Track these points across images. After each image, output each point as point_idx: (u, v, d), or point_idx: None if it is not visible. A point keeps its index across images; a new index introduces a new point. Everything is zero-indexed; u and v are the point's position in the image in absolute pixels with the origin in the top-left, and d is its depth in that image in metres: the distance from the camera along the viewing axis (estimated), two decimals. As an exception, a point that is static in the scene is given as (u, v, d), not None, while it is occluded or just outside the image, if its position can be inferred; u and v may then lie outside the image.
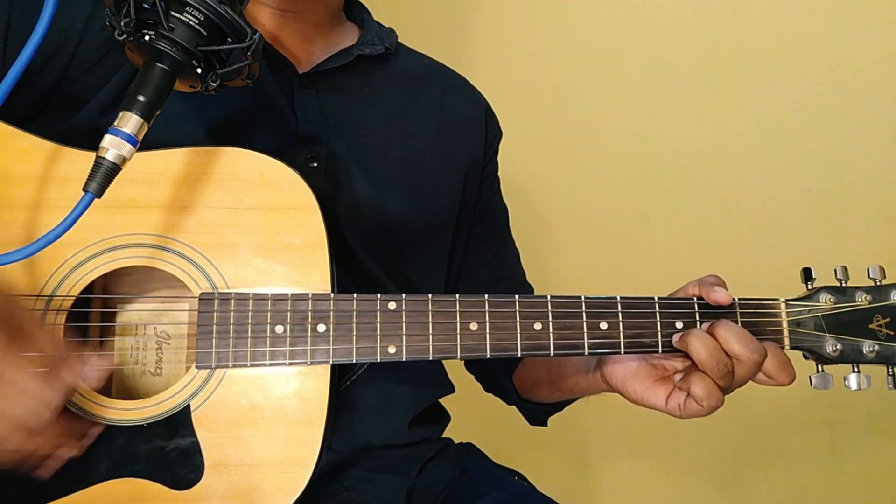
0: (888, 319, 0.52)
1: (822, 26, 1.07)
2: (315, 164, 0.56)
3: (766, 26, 1.07)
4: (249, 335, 0.47)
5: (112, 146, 0.39)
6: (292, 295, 0.48)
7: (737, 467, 1.12)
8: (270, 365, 0.47)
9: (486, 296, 0.49)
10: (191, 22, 0.40)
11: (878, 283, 0.53)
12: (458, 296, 0.49)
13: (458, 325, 0.48)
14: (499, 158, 0.72)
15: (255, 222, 0.49)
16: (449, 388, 0.66)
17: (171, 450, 0.46)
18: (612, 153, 1.09)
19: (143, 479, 0.46)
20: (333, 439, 0.55)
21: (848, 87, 1.07)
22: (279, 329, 0.47)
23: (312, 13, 0.60)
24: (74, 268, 0.47)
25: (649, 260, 1.09)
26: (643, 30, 1.08)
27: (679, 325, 0.50)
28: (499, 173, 0.73)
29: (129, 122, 0.40)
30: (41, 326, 0.43)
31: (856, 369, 0.52)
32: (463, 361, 0.73)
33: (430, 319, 0.48)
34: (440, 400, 0.67)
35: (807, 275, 0.54)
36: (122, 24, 0.40)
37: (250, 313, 0.47)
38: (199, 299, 0.47)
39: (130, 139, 0.40)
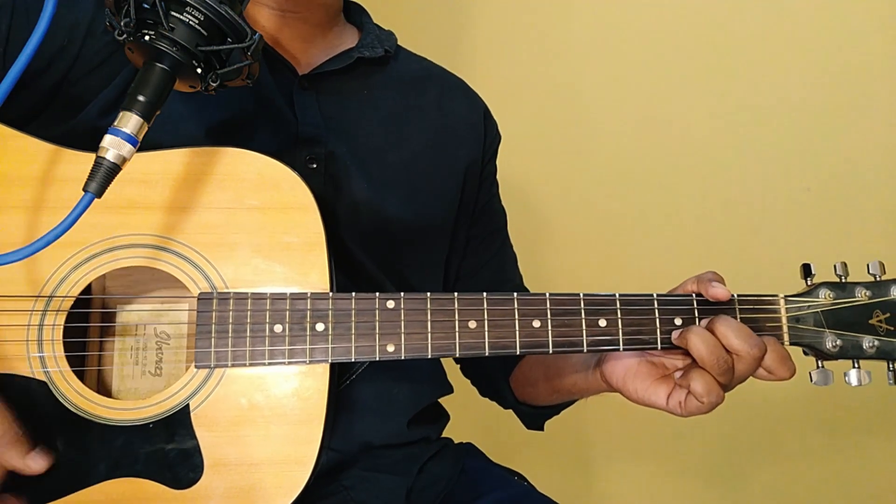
0: (888, 315, 0.52)
1: (822, 26, 1.07)
2: (314, 166, 0.57)
3: (765, 26, 1.08)
4: (248, 334, 0.47)
5: (112, 146, 0.39)
6: (291, 294, 0.48)
7: (736, 467, 1.11)
8: (269, 364, 0.47)
9: (485, 294, 0.49)
10: (191, 22, 0.40)
11: (878, 279, 0.52)
12: (456, 294, 0.49)
13: (457, 323, 0.48)
14: (498, 159, 0.73)
15: (254, 222, 0.49)
16: (448, 389, 0.66)
17: (170, 449, 0.46)
18: (611, 152, 1.09)
19: (142, 478, 0.46)
20: (333, 439, 0.55)
21: (848, 86, 1.07)
22: (278, 328, 0.47)
23: (312, 14, 0.60)
24: (74, 268, 0.47)
25: (649, 259, 1.09)
26: (642, 29, 1.09)
27: (678, 321, 0.50)
28: (497, 172, 0.73)
29: (129, 122, 0.40)
30: None
31: (856, 365, 0.52)
32: (459, 365, 0.73)
33: (429, 318, 0.48)
34: (439, 400, 0.66)
35: (806, 271, 0.54)
36: (122, 24, 0.40)
37: (249, 313, 0.47)
38: (198, 299, 0.47)
39: (130, 139, 0.40)
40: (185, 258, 0.48)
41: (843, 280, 0.53)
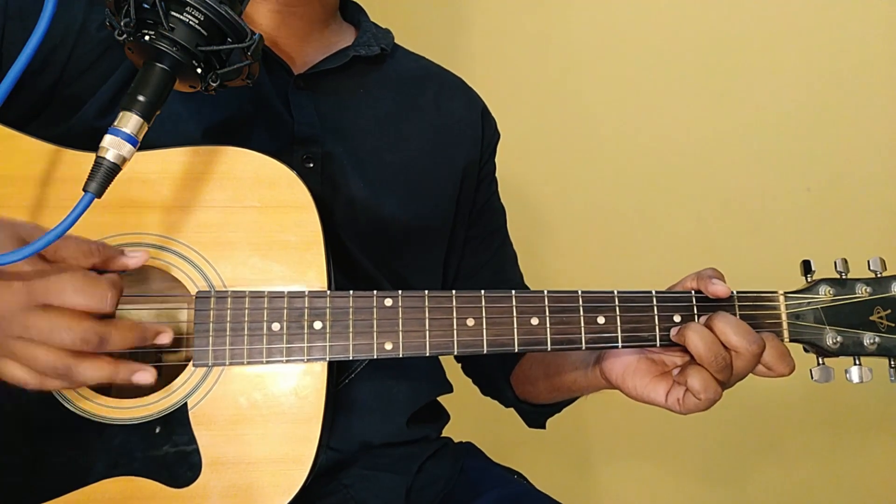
0: (889, 311, 0.51)
1: (822, 26, 1.07)
2: (311, 165, 0.57)
3: (765, 26, 1.08)
4: (246, 333, 0.47)
5: (112, 146, 0.39)
6: (289, 292, 0.48)
7: (736, 466, 1.10)
8: (267, 362, 0.47)
9: (483, 291, 0.49)
10: (191, 22, 0.40)
11: (879, 275, 0.52)
12: (454, 291, 0.49)
13: (455, 320, 0.48)
14: (496, 157, 0.73)
15: (252, 221, 0.49)
16: (447, 387, 0.66)
17: (168, 448, 0.46)
18: (610, 150, 1.09)
19: (140, 477, 0.46)
20: (332, 438, 0.55)
21: (848, 86, 1.07)
22: (276, 326, 0.47)
23: (309, 10, 0.61)
24: (74, 267, 0.47)
25: (649, 258, 1.08)
26: (641, 29, 1.09)
27: (677, 318, 0.50)
28: (496, 172, 0.73)
29: (129, 122, 0.40)
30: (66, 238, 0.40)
31: (857, 362, 0.51)
32: (460, 364, 0.73)
33: (427, 315, 0.48)
34: (439, 399, 0.66)
35: (806, 267, 0.53)
36: (122, 24, 0.40)
37: (247, 311, 0.48)
38: (196, 298, 0.48)
39: (130, 139, 0.40)
40: (184, 257, 0.49)
41: (844, 277, 0.52)
